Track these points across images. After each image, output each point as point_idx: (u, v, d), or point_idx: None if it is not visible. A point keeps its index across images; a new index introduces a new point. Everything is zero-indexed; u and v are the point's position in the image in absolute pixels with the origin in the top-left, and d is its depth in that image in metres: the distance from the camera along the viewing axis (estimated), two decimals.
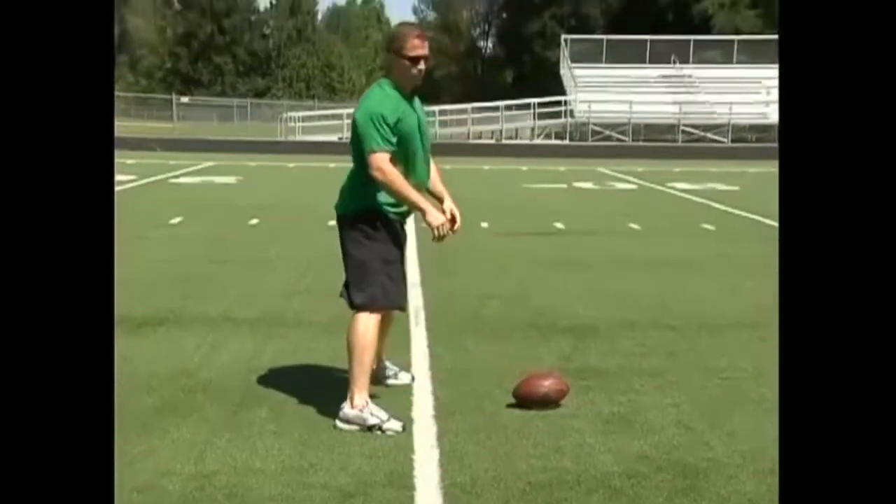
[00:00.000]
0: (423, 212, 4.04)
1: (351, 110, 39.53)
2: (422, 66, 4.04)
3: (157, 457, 3.68)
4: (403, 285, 4.26)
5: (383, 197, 4.05)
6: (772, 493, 3.37)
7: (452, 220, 4.20)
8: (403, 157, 4.05)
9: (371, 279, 4.08)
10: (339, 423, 4.03)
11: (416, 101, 4.21)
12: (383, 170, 3.94)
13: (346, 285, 4.19)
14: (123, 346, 5.20)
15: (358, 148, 4.02)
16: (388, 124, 3.95)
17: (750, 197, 15.23)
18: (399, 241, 4.18)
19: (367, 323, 4.09)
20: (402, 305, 4.30)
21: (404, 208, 4.14)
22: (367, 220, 4.08)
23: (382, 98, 4.03)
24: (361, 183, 4.08)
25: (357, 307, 4.12)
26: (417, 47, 4.00)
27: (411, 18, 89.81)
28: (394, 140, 3.97)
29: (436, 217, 4.06)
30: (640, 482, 3.51)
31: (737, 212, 13.22)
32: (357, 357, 4.07)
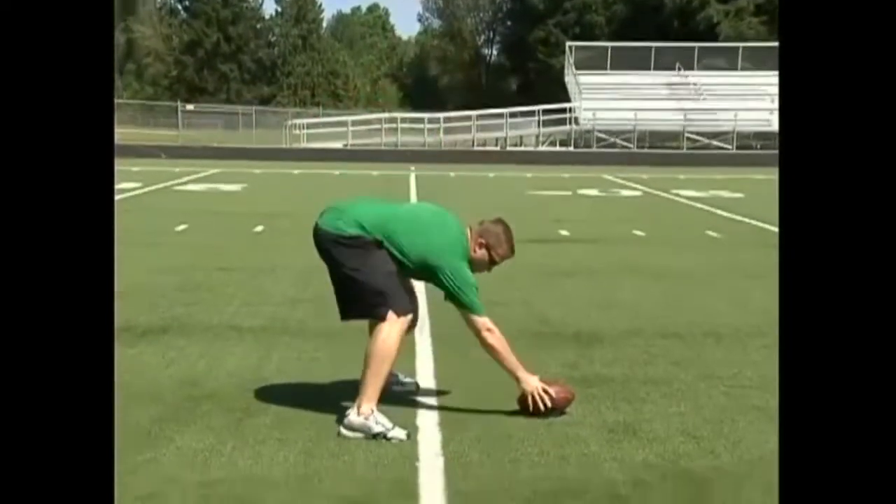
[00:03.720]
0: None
1: (356, 117, 39.57)
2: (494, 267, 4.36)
3: (162, 465, 3.67)
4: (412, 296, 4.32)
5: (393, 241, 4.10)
6: None
7: None
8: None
9: (389, 289, 4.07)
10: (343, 431, 4.01)
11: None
12: (492, 331, 4.23)
13: (353, 301, 4.16)
14: (126, 355, 5.20)
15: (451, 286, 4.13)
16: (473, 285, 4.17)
17: (755, 204, 15.20)
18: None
19: (391, 331, 4.02)
20: (416, 314, 4.30)
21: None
22: (363, 242, 4.09)
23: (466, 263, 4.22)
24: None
25: (381, 317, 4.04)
26: (506, 257, 4.39)
27: (416, 27, 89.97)
28: None
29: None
30: (645, 491, 3.49)
31: (742, 219, 13.19)
32: (375, 366, 4.03)
